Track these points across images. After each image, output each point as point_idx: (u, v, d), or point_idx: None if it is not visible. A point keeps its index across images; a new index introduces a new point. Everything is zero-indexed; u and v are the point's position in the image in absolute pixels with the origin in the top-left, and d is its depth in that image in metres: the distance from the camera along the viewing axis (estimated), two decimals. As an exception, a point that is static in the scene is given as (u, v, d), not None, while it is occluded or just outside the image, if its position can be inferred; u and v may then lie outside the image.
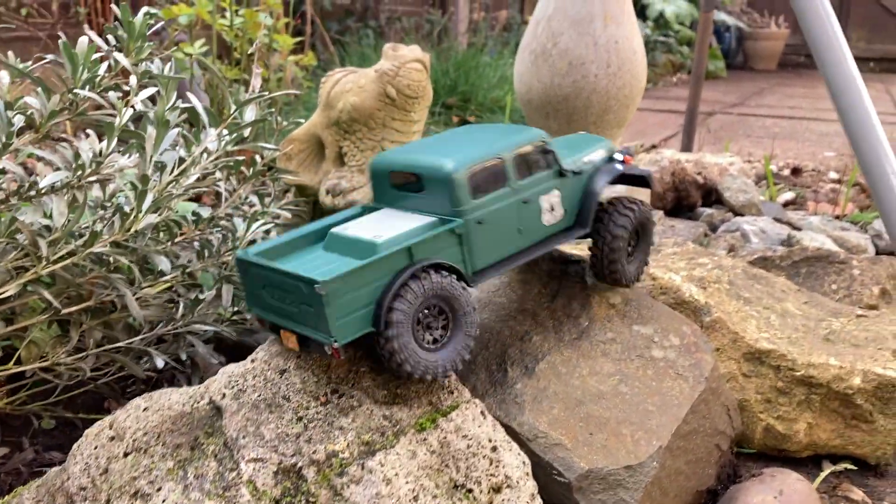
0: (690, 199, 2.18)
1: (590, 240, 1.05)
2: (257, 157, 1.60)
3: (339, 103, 1.62)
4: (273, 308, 0.87)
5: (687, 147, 2.97)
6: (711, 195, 2.23)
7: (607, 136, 1.91)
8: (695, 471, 1.04)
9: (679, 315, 1.16)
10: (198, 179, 1.38)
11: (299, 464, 0.86)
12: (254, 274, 0.88)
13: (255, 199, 1.62)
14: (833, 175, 3.20)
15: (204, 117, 1.37)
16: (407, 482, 0.86)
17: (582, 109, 1.83)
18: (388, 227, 0.89)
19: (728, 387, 1.20)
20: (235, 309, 1.53)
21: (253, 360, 0.98)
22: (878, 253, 2.07)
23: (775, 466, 1.19)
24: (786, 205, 2.58)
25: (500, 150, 0.92)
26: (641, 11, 8.11)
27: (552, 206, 0.97)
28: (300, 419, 0.91)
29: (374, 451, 0.87)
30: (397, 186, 0.95)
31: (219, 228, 1.43)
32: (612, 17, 1.81)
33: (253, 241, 1.43)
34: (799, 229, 2.06)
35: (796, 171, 3.07)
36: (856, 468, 1.21)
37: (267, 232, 1.45)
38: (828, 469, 1.19)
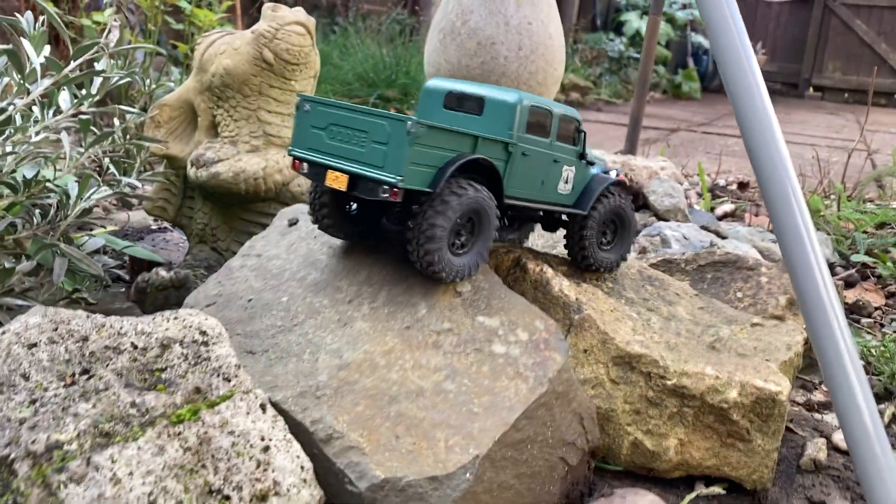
0: (614, 201, 2.05)
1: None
2: (116, 121, 1.45)
3: (211, 66, 1.47)
4: (328, 148, 0.93)
5: (629, 154, 2.85)
6: (639, 198, 2.10)
7: (519, 125, 1.77)
8: (529, 487, 0.89)
9: (535, 309, 1.01)
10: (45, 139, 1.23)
11: (12, 455, 0.70)
12: (319, 113, 0.94)
13: (114, 168, 1.46)
14: (781, 192, 3.09)
15: (35, 64, 1.21)
16: (143, 483, 0.70)
17: (491, 94, 1.69)
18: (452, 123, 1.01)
19: (589, 392, 1.06)
20: (75, 287, 1.36)
21: (4, 332, 0.82)
22: (806, 267, 1.95)
23: (641, 487, 1.04)
24: (724, 216, 2.46)
25: (552, 106, 1.06)
26: (618, 28, 8.07)
27: (567, 178, 1.10)
28: (33, 402, 0.75)
29: (109, 445, 0.71)
30: (450, 108, 1.07)
31: (55, 193, 1.27)
32: (527, -3, 1.68)
33: (88, 210, 1.28)
34: (724, 238, 1.93)
35: (742, 186, 2.96)
36: (730, 492, 1.06)
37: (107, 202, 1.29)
38: (695, 492, 1.05)
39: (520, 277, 1.15)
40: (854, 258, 2.01)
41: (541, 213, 1.18)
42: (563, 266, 1.21)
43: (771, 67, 9.52)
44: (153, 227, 2.04)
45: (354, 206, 1.05)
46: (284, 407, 0.84)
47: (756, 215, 2.47)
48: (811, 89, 9.38)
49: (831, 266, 1.97)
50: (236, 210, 1.49)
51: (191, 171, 1.44)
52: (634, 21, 7.81)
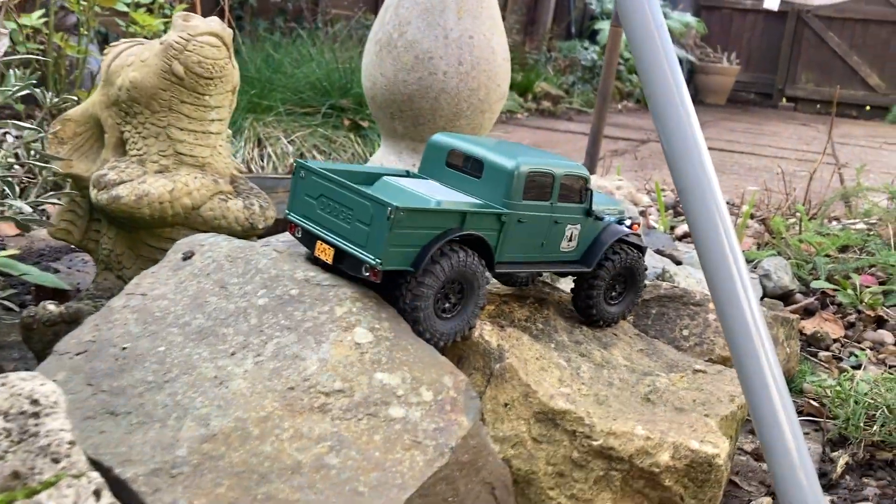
0: (565, 223, 1.95)
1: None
2: (9, 138, 1.32)
3: (118, 79, 1.35)
4: (318, 219, 0.95)
5: (589, 170, 2.75)
6: (593, 220, 2.00)
7: (461, 144, 1.66)
8: (425, 573, 0.78)
9: (443, 362, 0.90)
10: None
11: None
12: (312, 183, 0.95)
13: (7, 188, 1.33)
14: (746, 209, 3.01)
15: None
16: None
17: (429, 111, 1.59)
18: (443, 192, 1.00)
19: (508, 453, 0.95)
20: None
21: None
22: (765, 294, 1.86)
23: (564, 559, 0.94)
24: (683, 237, 2.37)
25: (554, 167, 1.02)
26: (592, 36, 8.02)
27: (571, 236, 1.08)
28: None
29: None
30: (452, 166, 1.04)
31: (-71, 218, 1.14)
32: (468, 10, 1.57)
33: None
34: (679, 263, 1.83)
35: (706, 203, 2.86)
36: (662, 566, 0.96)
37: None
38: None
39: (438, 320, 1.04)
40: (814, 284, 1.93)
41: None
42: (490, 305, 1.10)
43: (745, 77, 9.53)
44: (73, 247, 1.90)
45: None
46: (134, 487, 0.72)
47: (717, 236, 2.38)
48: (785, 100, 9.40)
49: (790, 293, 1.88)
50: (143, 235, 1.36)
51: (92, 193, 1.32)
52: (608, 30, 7.76)
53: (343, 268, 0.92)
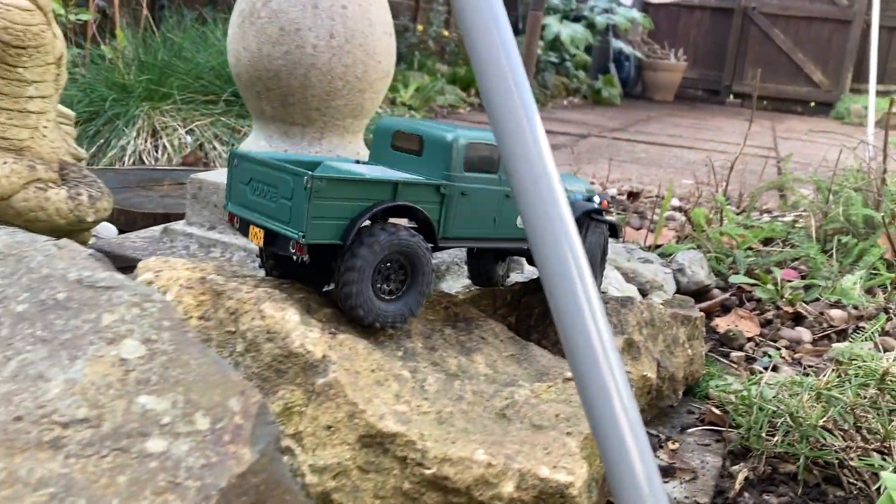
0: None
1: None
2: None
3: (-89, 49, 1.15)
4: (250, 204, 0.93)
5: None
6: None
7: (340, 127, 1.50)
8: None
9: (236, 380, 0.74)
10: None
11: None
12: (243, 168, 0.94)
13: None
14: (675, 202, 2.91)
15: None
16: None
17: (299, 90, 1.42)
18: (380, 170, 0.99)
19: (329, 484, 0.79)
20: None
21: None
22: (679, 290, 1.73)
23: None
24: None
25: (478, 140, 0.99)
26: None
27: None
28: None
29: None
30: (397, 149, 1.02)
31: None
32: (341, -25, 1.40)
33: None
34: (587, 258, 1.69)
35: (633, 196, 2.76)
36: None
37: None
38: None
39: (257, 328, 0.88)
40: (732, 279, 1.81)
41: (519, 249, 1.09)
42: (327, 307, 0.94)
43: (693, 74, 9.55)
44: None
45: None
46: None
47: (638, 228, 2.26)
48: (732, 96, 9.44)
49: (706, 289, 1.76)
50: (-57, 232, 1.17)
51: None
52: (554, 25, 7.67)
53: (274, 248, 0.90)
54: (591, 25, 8.04)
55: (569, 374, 0.99)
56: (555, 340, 1.16)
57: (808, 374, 1.45)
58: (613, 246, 1.79)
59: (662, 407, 1.24)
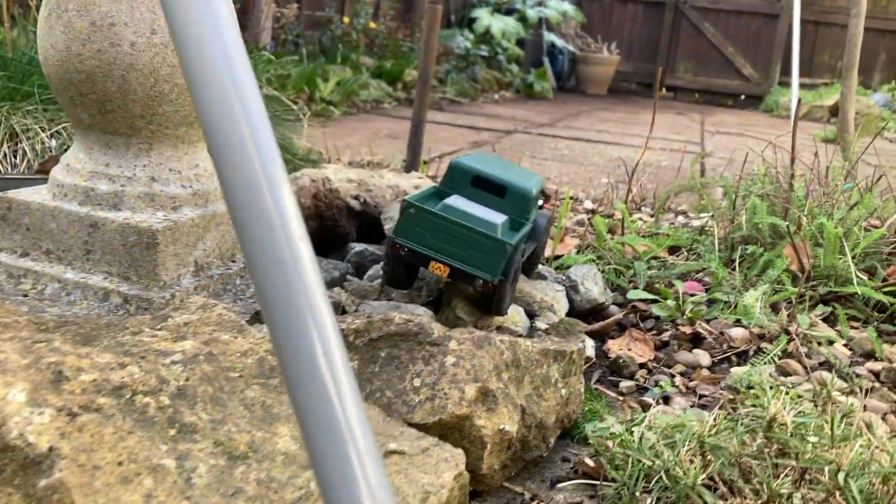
0: (339, 229, 1.62)
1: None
2: None
3: None
4: (432, 245, 1.19)
5: (411, 165, 2.44)
6: (380, 226, 1.68)
7: (173, 136, 1.29)
8: None
9: None
10: None
11: None
12: (424, 219, 1.18)
13: None
14: (589, 204, 2.78)
15: None
16: None
17: (117, 94, 1.21)
18: (488, 213, 1.25)
19: None
20: None
21: None
22: (571, 311, 1.58)
23: None
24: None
25: (537, 185, 1.38)
26: (469, 24, 7.77)
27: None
28: None
29: None
30: (477, 186, 1.31)
31: None
32: (165, -40, 1.20)
33: None
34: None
35: (545, 198, 2.61)
36: None
37: None
38: None
39: None
40: (630, 295, 1.68)
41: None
42: (89, 374, 0.74)
43: (626, 67, 9.55)
44: None
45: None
46: None
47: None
48: (664, 90, 9.46)
49: (601, 307, 1.62)
50: None
51: None
52: (485, 18, 7.53)
53: (454, 280, 1.20)
54: (523, 19, 7.93)
55: (393, 445, 0.82)
56: (400, 390, 1.00)
57: (704, 407, 1.32)
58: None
59: (530, 459, 1.09)
